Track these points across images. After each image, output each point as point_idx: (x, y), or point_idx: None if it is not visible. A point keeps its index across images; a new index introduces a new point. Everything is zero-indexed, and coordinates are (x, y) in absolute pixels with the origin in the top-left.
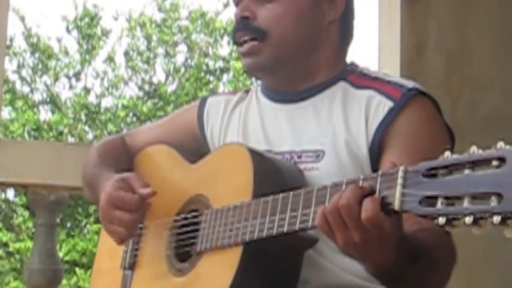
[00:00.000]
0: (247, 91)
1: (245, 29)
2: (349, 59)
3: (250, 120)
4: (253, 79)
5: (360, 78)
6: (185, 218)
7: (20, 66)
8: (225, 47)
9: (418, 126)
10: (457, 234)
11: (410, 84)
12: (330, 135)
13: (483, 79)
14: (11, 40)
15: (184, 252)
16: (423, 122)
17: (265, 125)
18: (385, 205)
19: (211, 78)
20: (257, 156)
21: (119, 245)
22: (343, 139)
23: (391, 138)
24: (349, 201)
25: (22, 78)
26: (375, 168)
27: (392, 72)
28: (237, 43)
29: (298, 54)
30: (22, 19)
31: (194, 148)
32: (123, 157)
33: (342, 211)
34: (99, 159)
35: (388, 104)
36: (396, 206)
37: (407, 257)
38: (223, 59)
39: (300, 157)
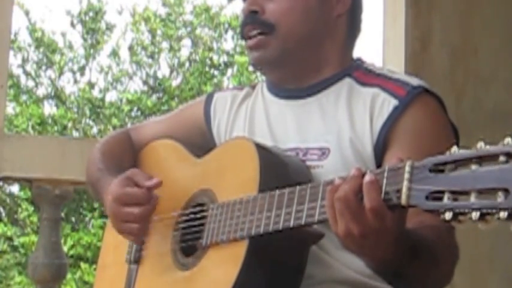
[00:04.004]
0: (253, 86)
1: (253, 22)
2: (354, 53)
3: (256, 117)
4: (258, 74)
5: (365, 75)
6: (191, 213)
7: (25, 61)
8: (229, 42)
9: (422, 125)
10: (461, 231)
11: (415, 81)
12: (335, 132)
13: (487, 73)
14: (16, 34)
15: (189, 247)
16: (428, 120)
17: (270, 121)
18: (391, 200)
19: (216, 73)
20: (263, 151)
21: (137, 244)
22: (347, 137)
23: (395, 136)
24: (355, 191)
25: (26, 73)
26: (379, 166)
27: (397, 66)
28: (245, 37)
29: (305, 48)
30: (26, 13)
31: (200, 143)
32: (126, 154)
33: (344, 201)
34: (102, 161)
35: (392, 102)
36: (403, 200)
37: (408, 253)
38: (228, 53)
39: (305, 154)
